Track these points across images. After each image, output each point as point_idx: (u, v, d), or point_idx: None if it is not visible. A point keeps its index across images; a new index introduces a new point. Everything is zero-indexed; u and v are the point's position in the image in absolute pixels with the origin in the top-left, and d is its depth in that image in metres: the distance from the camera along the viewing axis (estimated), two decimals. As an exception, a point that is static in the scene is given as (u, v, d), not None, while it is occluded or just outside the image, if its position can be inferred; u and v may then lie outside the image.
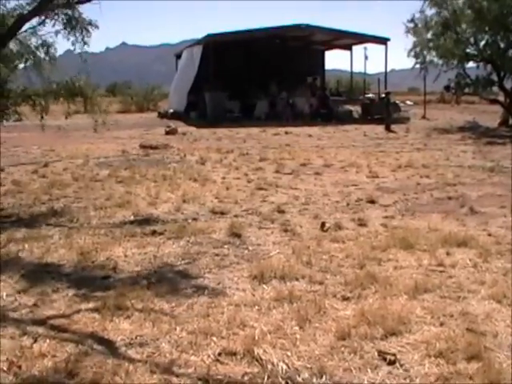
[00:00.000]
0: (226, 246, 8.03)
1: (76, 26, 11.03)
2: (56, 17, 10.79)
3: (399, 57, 35.52)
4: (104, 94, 50.04)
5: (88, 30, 11.23)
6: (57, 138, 23.27)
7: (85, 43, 11.35)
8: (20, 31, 10.77)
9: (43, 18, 10.85)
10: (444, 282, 6.38)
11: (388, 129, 27.65)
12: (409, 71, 32.21)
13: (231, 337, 5.02)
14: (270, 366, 4.51)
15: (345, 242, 8.13)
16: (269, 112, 34.60)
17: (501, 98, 31.30)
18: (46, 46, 11.63)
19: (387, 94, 31.69)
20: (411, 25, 29.90)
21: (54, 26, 10.99)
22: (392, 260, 7.26)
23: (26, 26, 10.82)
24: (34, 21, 10.91)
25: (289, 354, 4.71)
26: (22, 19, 10.09)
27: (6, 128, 14.93)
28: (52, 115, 12.27)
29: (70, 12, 10.71)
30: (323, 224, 9.05)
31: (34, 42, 11.66)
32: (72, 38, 11.22)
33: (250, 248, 7.95)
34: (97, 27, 11.39)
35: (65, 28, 10.98)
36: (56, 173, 14.91)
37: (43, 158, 18.28)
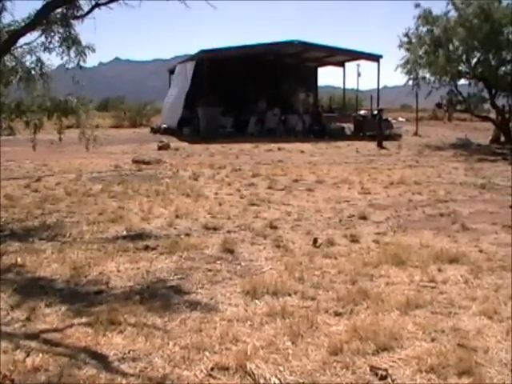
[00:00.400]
0: (218, 262, 8.03)
1: (72, 46, 11.05)
2: (52, 34, 10.82)
3: (392, 74, 35.70)
4: (97, 109, 50.10)
5: (85, 53, 11.26)
6: (49, 153, 23.25)
7: (80, 67, 11.37)
8: (14, 47, 10.79)
9: (38, 34, 10.88)
10: (435, 298, 6.41)
11: (380, 145, 27.77)
12: (401, 88, 32.38)
13: (224, 352, 5.03)
14: (262, 381, 4.52)
15: (337, 258, 8.15)
16: (257, 128, 34.65)
17: (492, 115, 31.51)
18: (41, 62, 11.64)
19: (380, 110, 31.87)
20: (405, 39, 30.10)
21: (49, 43, 11.01)
22: (384, 276, 7.29)
23: (21, 41, 10.84)
24: (29, 37, 10.93)
25: (281, 368, 4.72)
26: (17, 34, 10.12)
27: (-1, 142, 14.96)
28: (44, 129, 12.27)
29: (66, 30, 10.74)
30: (315, 240, 9.07)
31: (28, 58, 11.67)
32: (66, 58, 11.24)
33: (243, 264, 7.96)
34: (93, 51, 11.41)
35: (60, 46, 10.99)
36: (49, 187, 14.91)
37: (36, 172, 18.30)
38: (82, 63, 11.27)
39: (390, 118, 36.93)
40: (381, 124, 29.96)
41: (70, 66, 11.43)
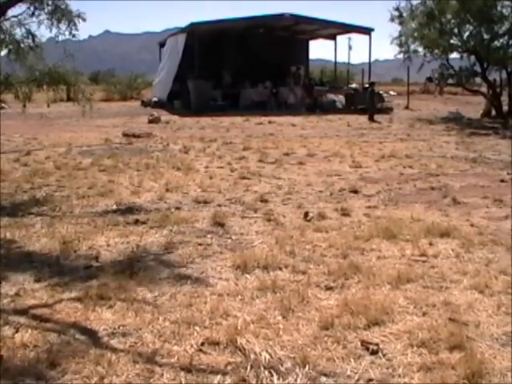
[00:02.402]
0: (209, 236, 8.01)
1: (62, 17, 10.93)
2: (41, 6, 10.69)
3: (383, 47, 35.57)
4: (87, 82, 49.80)
5: (75, 23, 11.14)
6: (39, 127, 23.11)
7: (73, 36, 11.25)
8: (3, 18, 10.66)
9: (28, 5, 10.75)
10: (427, 272, 6.40)
11: (372, 119, 27.71)
12: (393, 62, 32.29)
13: (214, 326, 5.01)
14: (252, 356, 4.50)
15: (328, 231, 8.13)
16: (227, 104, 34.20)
17: (484, 89, 31.44)
18: (30, 34, 11.52)
19: (371, 84, 31.79)
20: (396, 13, 29.93)
21: (38, 15, 10.89)
22: (375, 250, 7.28)
23: (9, 14, 10.72)
24: (18, 9, 10.82)
25: (272, 343, 4.70)
26: (5, 6, 9.98)
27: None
28: (34, 103, 12.16)
29: (56, 2, 10.61)
30: (306, 214, 9.05)
31: (17, 30, 11.54)
32: (56, 30, 11.13)
33: (233, 237, 7.94)
34: (84, 20, 11.29)
35: (51, 18, 10.87)
36: (38, 161, 14.82)
37: (25, 146, 18.17)
38: (74, 32, 11.17)
39: (381, 92, 36.80)
40: (373, 97, 29.90)
41: (61, 37, 11.34)
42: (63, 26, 11.09)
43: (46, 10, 10.87)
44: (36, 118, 24.52)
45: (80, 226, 8.44)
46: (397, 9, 29.90)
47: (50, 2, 10.75)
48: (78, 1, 11.29)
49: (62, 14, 10.89)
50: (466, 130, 23.77)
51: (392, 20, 30.01)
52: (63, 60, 11.86)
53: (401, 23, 29.71)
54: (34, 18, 11.10)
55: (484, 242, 7.55)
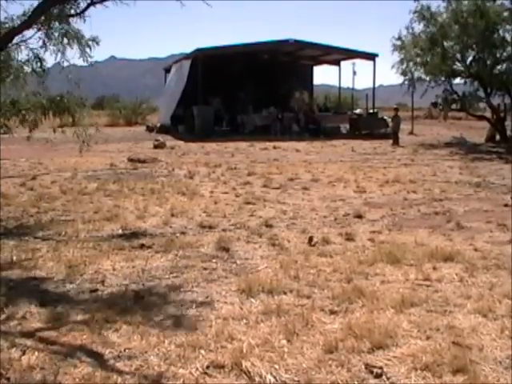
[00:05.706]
0: (214, 260, 8.03)
1: (73, 41, 10.99)
2: (51, 30, 10.77)
3: (387, 72, 35.71)
4: (92, 107, 50.09)
5: (89, 46, 11.19)
6: (45, 151, 23.24)
7: (87, 61, 11.28)
8: (10, 44, 10.74)
9: (35, 31, 10.83)
10: (430, 296, 6.42)
11: (397, 144, 28.06)
12: (397, 87, 32.35)
13: (219, 350, 5.04)
14: (257, 379, 4.53)
15: (332, 256, 8.16)
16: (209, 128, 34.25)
17: (488, 114, 31.54)
18: (37, 58, 11.59)
19: (396, 109, 31.76)
20: (398, 42, 30.04)
21: (49, 39, 10.95)
22: (379, 274, 7.30)
23: (16, 38, 10.79)
24: (25, 35, 10.89)
25: (276, 366, 4.73)
26: (13, 32, 10.08)
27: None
28: (39, 128, 12.21)
29: (64, 27, 10.70)
30: (311, 238, 9.07)
31: (24, 55, 11.62)
32: (65, 55, 11.19)
33: (238, 262, 7.96)
34: (98, 43, 11.34)
35: (61, 42, 10.93)
36: (44, 186, 14.90)
37: (31, 170, 18.27)
38: (89, 58, 11.21)
39: (385, 117, 36.91)
40: (399, 123, 30.18)
41: (74, 61, 11.38)
42: (77, 51, 11.12)
43: (55, 35, 10.93)
44: (41, 143, 24.62)
45: (86, 250, 8.48)
46: (398, 38, 30.02)
47: (59, 27, 10.80)
48: (85, 26, 11.35)
49: (75, 38, 10.94)
50: (469, 154, 23.84)
51: (394, 49, 30.13)
52: (68, 86, 11.91)
53: (401, 49, 29.80)
54: (42, 42, 11.18)
55: (487, 267, 7.57)
